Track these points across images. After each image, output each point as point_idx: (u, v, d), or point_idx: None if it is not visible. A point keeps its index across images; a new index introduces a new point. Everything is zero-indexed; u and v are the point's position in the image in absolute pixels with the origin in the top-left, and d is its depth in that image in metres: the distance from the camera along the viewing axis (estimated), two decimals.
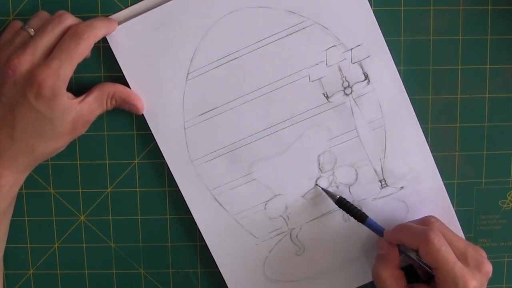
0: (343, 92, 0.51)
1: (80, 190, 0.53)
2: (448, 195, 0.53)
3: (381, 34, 0.51)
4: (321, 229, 0.53)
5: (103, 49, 0.51)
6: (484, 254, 0.48)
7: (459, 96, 0.53)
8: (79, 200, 0.53)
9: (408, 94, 0.51)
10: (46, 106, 0.46)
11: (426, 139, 0.52)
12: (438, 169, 0.52)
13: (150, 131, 0.51)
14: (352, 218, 0.51)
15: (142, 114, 0.51)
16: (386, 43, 0.51)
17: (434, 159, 0.52)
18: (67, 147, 0.50)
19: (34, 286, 0.54)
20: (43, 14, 0.48)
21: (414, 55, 0.52)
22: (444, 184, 0.53)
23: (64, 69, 0.45)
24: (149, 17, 0.50)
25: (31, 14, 0.49)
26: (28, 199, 0.53)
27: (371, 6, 0.50)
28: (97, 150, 0.53)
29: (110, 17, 0.50)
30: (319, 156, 0.52)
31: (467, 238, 0.54)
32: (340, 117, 0.52)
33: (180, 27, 0.50)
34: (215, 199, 0.52)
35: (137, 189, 0.53)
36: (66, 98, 0.47)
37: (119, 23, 0.50)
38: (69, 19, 0.47)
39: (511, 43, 0.52)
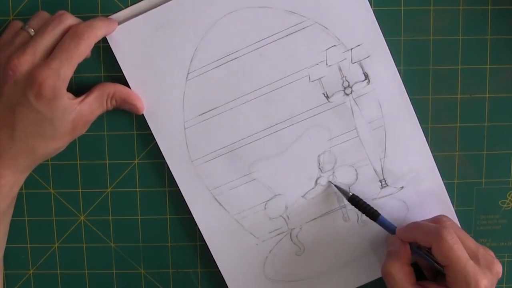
0: (343, 92, 0.51)
1: (80, 190, 0.53)
2: (448, 195, 0.53)
3: (381, 34, 0.51)
4: (321, 229, 0.53)
5: (103, 49, 0.51)
6: (493, 254, 0.48)
7: (459, 96, 0.53)
8: (79, 200, 0.53)
9: (408, 94, 0.51)
10: (47, 106, 0.46)
11: (426, 139, 0.52)
12: (438, 169, 0.52)
13: (150, 131, 0.51)
14: (352, 217, 0.51)
15: (142, 114, 0.51)
16: (386, 43, 0.51)
17: (434, 159, 0.52)
18: (67, 147, 0.50)
19: (34, 286, 0.54)
20: (43, 14, 0.48)
21: (414, 55, 0.52)
22: (444, 184, 0.53)
23: (65, 69, 0.45)
24: (149, 17, 0.50)
25: (31, 14, 0.49)
26: (28, 199, 0.53)
27: (371, 6, 0.50)
28: (97, 150, 0.53)
29: (110, 17, 0.50)
30: (319, 156, 0.52)
31: None
32: (340, 117, 0.52)
33: (180, 27, 0.50)
34: (215, 199, 0.52)
35: (137, 189, 0.53)
36: (67, 99, 0.47)
37: (119, 23, 0.50)
38: (69, 19, 0.47)
39: (511, 43, 0.52)
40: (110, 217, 0.53)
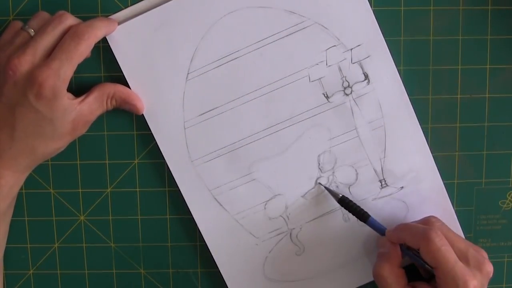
0: (343, 92, 0.51)
1: (80, 190, 0.53)
2: (448, 195, 0.53)
3: (381, 34, 0.51)
4: (321, 229, 0.53)
5: (103, 49, 0.51)
6: (485, 254, 0.48)
7: (459, 96, 0.53)
8: (79, 200, 0.53)
9: (408, 94, 0.51)
10: (47, 106, 0.46)
11: (426, 139, 0.52)
12: (438, 169, 0.52)
13: (150, 131, 0.51)
14: (352, 217, 0.51)
15: (142, 114, 0.51)
16: (386, 43, 0.51)
17: (434, 159, 0.52)
18: (67, 147, 0.50)
19: (34, 286, 0.54)
20: (43, 14, 0.48)
21: (414, 55, 0.52)
22: (444, 184, 0.53)
23: (65, 69, 0.45)
24: (149, 17, 0.50)
25: (31, 14, 0.49)
26: (28, 199, 0.53)
27: (371, 6, 0.50)
28: (97, 150, 0.53)
29: (110, 17, 0.50)
30: (319, 156, 0.52)
31: (467, 238, 0.54)
32: (340, 117, 0.52)
33: (180, 27, 0.50)
34: (215, 199, 0.52)
35: (137, 189, 0.53)
36: (67, 99, 0.47)
37: (119, 23, 0.50)
38: (69, 19, 0.47)
39: (511, 43, 0.52)
40: (110, 217, 0.53)
